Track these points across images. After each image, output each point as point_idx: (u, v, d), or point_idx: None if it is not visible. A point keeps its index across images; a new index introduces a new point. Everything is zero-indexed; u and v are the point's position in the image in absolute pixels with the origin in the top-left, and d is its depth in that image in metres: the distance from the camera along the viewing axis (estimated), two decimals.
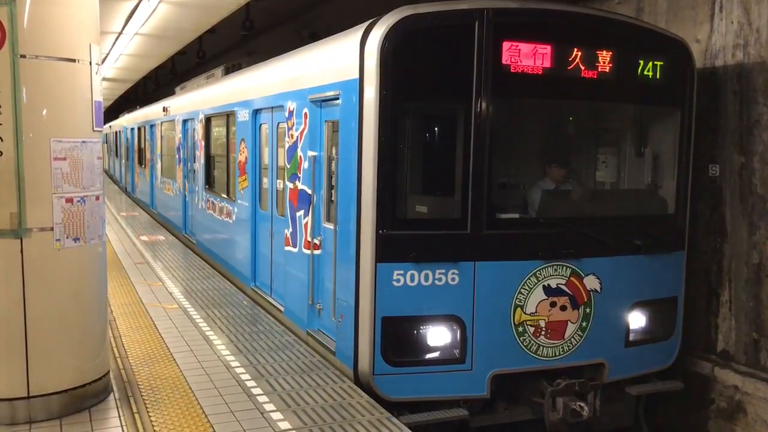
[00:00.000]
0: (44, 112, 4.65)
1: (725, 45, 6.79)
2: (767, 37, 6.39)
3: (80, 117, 4.83)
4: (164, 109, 15.24)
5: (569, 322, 5.95)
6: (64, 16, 4.70)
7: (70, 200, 4.76)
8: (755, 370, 6.61)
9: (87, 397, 5.00)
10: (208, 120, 11.22)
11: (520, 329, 5.79)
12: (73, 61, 4.73)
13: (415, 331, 5.64)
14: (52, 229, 4.70)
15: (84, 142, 4.83)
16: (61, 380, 4.85)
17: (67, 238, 4.77)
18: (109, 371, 5.38)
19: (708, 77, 6.89)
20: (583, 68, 5.83)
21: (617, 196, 6.99)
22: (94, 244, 4.98)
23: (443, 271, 5.56)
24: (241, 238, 9.20)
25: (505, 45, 5.55)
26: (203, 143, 11.38)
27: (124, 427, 4.75)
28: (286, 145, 7.25)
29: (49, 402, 4.79)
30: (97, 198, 4.97)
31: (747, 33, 6.57)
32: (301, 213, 6.89)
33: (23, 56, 4.51)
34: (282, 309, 7.56)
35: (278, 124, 7.74)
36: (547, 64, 5.70)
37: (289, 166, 7.18)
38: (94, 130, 4.93)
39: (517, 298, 5.75)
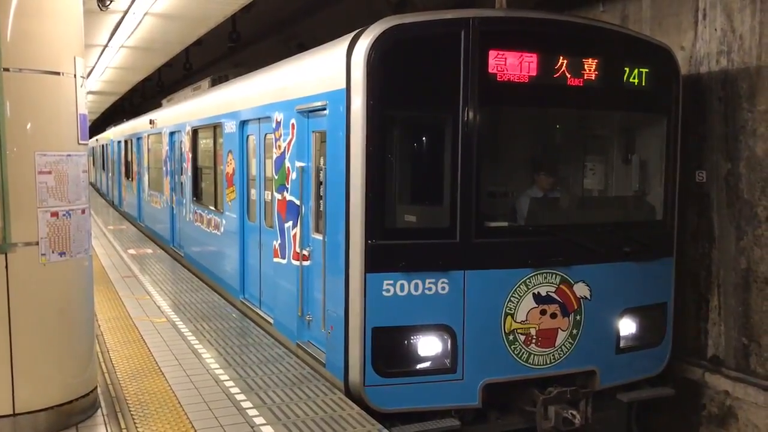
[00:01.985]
0: (28, 125, 4.61)
1: (709, 52, 6.84)
2: (750, 43, 6.44)
3: (65, 130, 4.79)
4: (151, 122, 15.18)
5: (560, 330, 5.95)
6: (47, 29, 4.67)
7: (55, 214, 4.71)
8: (745, 375, 6.63)
9: (74, 413, 4.93)
10: (195, 132, 11.18)
11: (511, 338, 5.78)
12: (58, 74, 4.70)
13: (406, 341, 5.61)
14: (37, 243, 4.65)
15: (69, 155, 4.78)
16: (48, 397, 4.78)
17: (53, 252, 4.72)
18: (96, 387, 5.32)
19: (693, 84, 6.94)
20: (569, 76, 5.86)
21: (605, 203, 7.01)
22: (81, 258, 4.93)
23: (433, 280, 5.55)
24: (229, 250, 9.15)
25: (492, 54, 5.57)
26: (190, 155, 11.34)
27: None
28: (274, 156, 7.22)
29: (35, 419, 4.72)
30: (83, 211, 4.92)
31: (731, 40, 6.63)
32: (289, 224, 6.86)
33: (6, 69, 4.47)
34: (271, 321, 7.51)
35: (266, 135, 7.72)
36: (534, 72, 5.72)
37: (277, 177, 7.16)
38: (79, 144, 4.89)
39: (507, 307, 5.74)
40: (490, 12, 5.73)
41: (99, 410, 5.21)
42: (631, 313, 6.32)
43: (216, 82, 11.20)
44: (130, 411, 5.20)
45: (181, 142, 12.14)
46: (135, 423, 4.99)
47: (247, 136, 8.42)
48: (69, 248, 4.80)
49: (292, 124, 6.72)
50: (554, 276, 5.88)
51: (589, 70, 5.94)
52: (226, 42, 12.83)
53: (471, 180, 5.57)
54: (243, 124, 8.45)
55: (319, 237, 6.29)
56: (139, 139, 17.39)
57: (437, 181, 5.72)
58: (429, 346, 5.64)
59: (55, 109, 4.73)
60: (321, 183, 6.28)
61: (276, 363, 6.44)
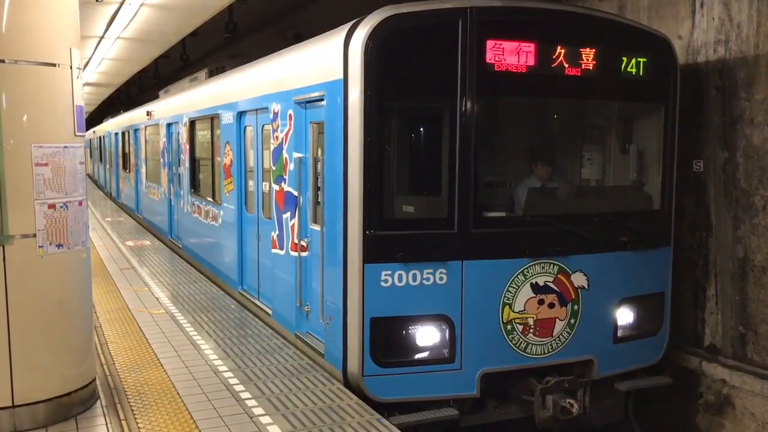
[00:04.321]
0: (24, 117, 4.59)
1: (707, 41, 6.83)
2: (748, 32, 6.43)
3: (61, 122, 4.77)
4: (148, 113, 15.14)
5: (557, 320, 5.96)
6: (43, 20, 4.65)
7: (52, 206, 4.71)
8: (742, 363, 6.66)
9: (73, 404, 4.94)
10: (192, 123, 11.16)
11: (509, 327, 5.79)
12: (54, 65, 4.68)
13: (404, 332, 5.62)
14: (34, 235, 4.65)
15: (66, 147, 4.77)
16: (47, 388, 4.79)
17: (50, 244, 4.71)
18: (95, 378, 5.33)
19: (691, 73, 6.93)
20: (566, 66, 5.85)
21: (603, 193, 7.01)
22: (78, 250, 4.93)
23: (431, 270, 5.55)
24: (227, 242, 9.15)
25: (489, 43, 5.55)
26: (188, 147, 11.32)
27: None
28: (272, 147, 7.21)
29: (34, 411, 4.73)
30: (80, 203, 4.92)
31: (728, 29, 6.61)
32: (287, 215, 6.86)
33: (2, 61, 4.46)
34: (270, 312, 7.52)
35: (263, 126, 7.71)
36: (531, 62, 5.70)
37: (274, 168, 7.15)
38: (76, 135, 4.88)
39: (505, 297, 5.75)
40: (487, 2, 5.70)
41: (98, 402, 5.22)
42: (628, 302, 6.33)
43: (213, 73, 11.16)
44: (129, 402, 5.22)
45: (178, 133, 12.11)
46: (134, 414, 5.00)
47: (245, 127, 8.41)
48: (66, 240, 4.80)
49: (290, 115, 6.70)
50: (552, 266, 5.89)
51: (587, 60, 5.93)
52: (223, 33, 12.77)
53: (469, 170, 5.57)
54: (240, 115, 8.43)
55: (317, 228, 6.28)
56: (136, 130, 17.34)
57: (435, 171, 5.72)
58: (427, 336, 5.66)
59: (51, 100, 4.71)
60: (319, 174, 6.27)
61: (274, 354, 6.45)
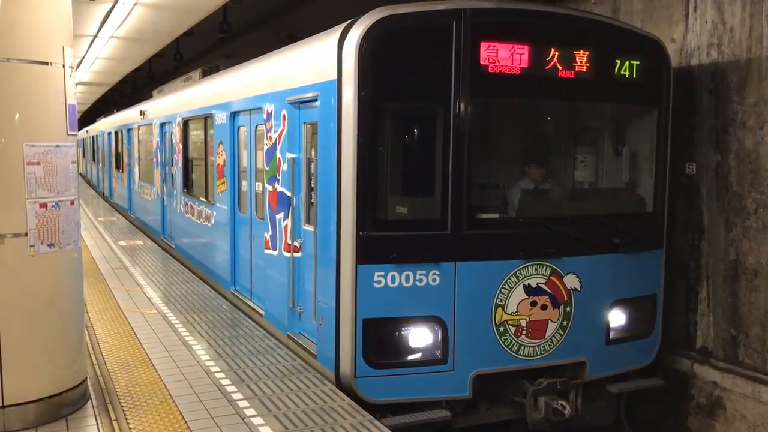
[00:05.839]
0: (16, 116, 4.57)
1: (700, 44, 6.85)
2: (740, 36, 6.46)
3: (54, 121, 4.75)
4: (141, 113, 15.10)
5: (550, 321, 5.97)
6: (35, 18, 4.63)
7: (44, 205, 4.68)
8: (733, 365, 6.68)
9: (64, 405, 4.92)
10: (185, 123, 11.13)
11: (501, 329, 5.80)
12: (46, 63, 4.66)
13: (397, 333, 5.62)
14: (26, 234, 4.62)
15: (58, 146, 4.75)
16: (37, 388, 4.77)
17: (42, 243, 4.69)
18: (86, 378, 5.30)
19: (684, 76, 6.95)
20: (560, 68, 5.86)
21: (596, 195, 7.03)
22: (70, 250, 4.91)
23: (424, 271, 5.55)
24: (220, 242, 9.12)
25: (483, 45, 5.56)
26: (181, 146, 11.29)
27: None
28: (265, 148, 7.20)
29: (24, 411, 4.71)
30: (72, 203, 4.89)
31: (721, 32, 6.64)
32: (280, 216, 6.85)
33: None
34: (262, 313, 7.50)
35: (256, 126, 7.69)
36: (525, 64, 5.71)
37: (267, 169, 7.14)
38: (68, 134, 4.85)
39: (497, 298, 5.76)
40: (481, 3, 5.71)
41: (89, 402, 5.20)
42: (621, 304, 6.35)
43: (207, 73, 11.14)
44: (120, 403, 5.19)
45: (171, 133, 12.08)
46: (125, 415, 4.98)
47: (238, 128, 8.39)
48: (58, 240, 4.78)
49: (283, 116, 6.69)
50: (545, 267, 5.90)
51: (580, 62, 5.94)
52: (217, 33, 12.75)
53: (462, 171, 5.57)
54: (234, 115, 8.41)
55: (311, 228, 6.27)
56: (129, 130, 17.29)
57: (428, 172, 5.72)
58: (420, 337, 5.65)
59: (43, 99, 4.69)
60: (312, 174, 6.26)
61: (267, 354, 6.44)
